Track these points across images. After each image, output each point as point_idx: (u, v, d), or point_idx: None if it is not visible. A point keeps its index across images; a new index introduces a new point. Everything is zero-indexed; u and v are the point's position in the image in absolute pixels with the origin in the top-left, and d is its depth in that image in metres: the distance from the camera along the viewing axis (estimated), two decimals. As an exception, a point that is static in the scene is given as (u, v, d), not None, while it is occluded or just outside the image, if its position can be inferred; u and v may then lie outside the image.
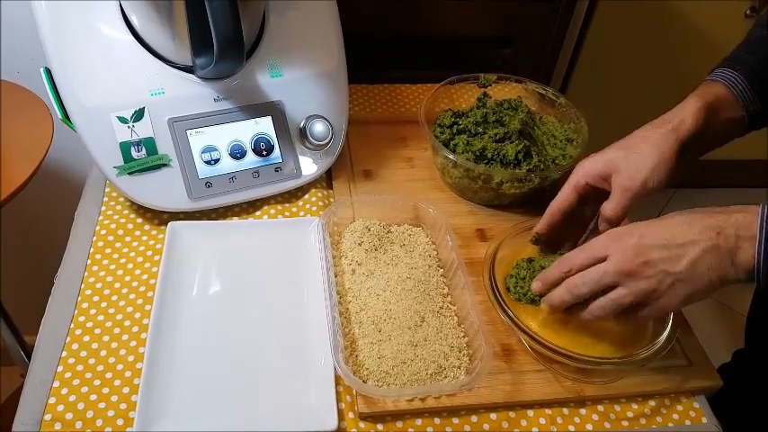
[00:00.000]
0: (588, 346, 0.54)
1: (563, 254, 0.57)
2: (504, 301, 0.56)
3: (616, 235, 0.48)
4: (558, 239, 0.61)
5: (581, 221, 0.59)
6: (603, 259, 0.48)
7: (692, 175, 1.78)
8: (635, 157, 0.53)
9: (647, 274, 0.45)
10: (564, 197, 0.57)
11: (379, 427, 0.50)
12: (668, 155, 0.52)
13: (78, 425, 0.48)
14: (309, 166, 0.69)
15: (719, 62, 0.58)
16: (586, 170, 0.55)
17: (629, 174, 0.52)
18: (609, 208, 0.54)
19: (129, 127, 0.61)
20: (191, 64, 0.63)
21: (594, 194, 0.56)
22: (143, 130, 0.61)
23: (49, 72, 0.60)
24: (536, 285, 0.53)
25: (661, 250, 0.45)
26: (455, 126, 0.71)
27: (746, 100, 0.55)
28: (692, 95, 0.55)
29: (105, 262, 0.61)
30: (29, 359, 0.96)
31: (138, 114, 0.61)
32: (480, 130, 0.70)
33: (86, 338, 0.54)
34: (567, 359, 0.53)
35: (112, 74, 0.61)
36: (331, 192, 0.72)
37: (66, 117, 0.61)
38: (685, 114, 0.53)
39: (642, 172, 0.52)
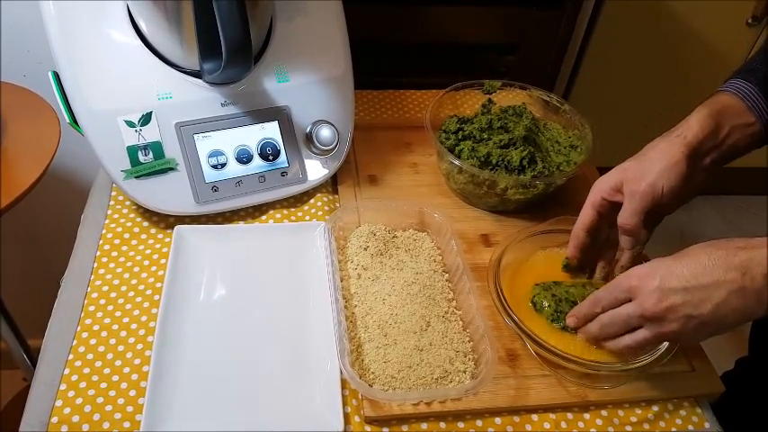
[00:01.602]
0: (592, 350, 0.54)
1: (589, 279, 0.59)
2: (509, 306, 0.56)
3: (639, 275, 0.47)
4: (590, 263, 0.61)
5: (611, 243, 0.59)
6: (629, 299, 0.48)
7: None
8: (643, 164, 0.54)
9: (671, 319, 0.45)
10: (585, 217, 0.57)
11: (385, 430, 0.51)
12: (677, 158, 0.52)
13: (85, 427, 0.48)
14: (315, 171, 0.69)
15: (733, 73, 0.57)
16: (601, 185, 0.56)
17: (636, 178, 0.53)
18: (622, 216, 0.54)
19: (136, 131, 0.61)
20: (198, 69, 0.63)
21: (616, 212, 0.56)
22: (150, 134, 0.62)
23: (57, 75, 0.61)
24: (571, 320, 0.54)
25: (684, 294, 0.45)
26: (460, 132, 0.71)
27: (761, 111, 0.54)
28: (700, 106, 0.55)
29: (112, 265, 0.61)
30: (32, 362, 0.97)
31: (146, 118, 0.62)
32: (485, 136, 0.70)
33: (93, 341, 0.54)
34: (572, 364, 0.53)
35: (120, 78, 0.61)
36: (336, 197, 0.72)
37: (74, 120, 0.61)
38: (691, 122, 0.54)
39: (649, 175, 0.52)
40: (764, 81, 0.54)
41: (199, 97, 0.64)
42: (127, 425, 0.49)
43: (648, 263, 0.48)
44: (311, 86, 0.68)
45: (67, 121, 0.61)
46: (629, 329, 0.49)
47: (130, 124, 0.61)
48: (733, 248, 0.44)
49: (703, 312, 0.44)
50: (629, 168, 0.55)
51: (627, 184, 0.54)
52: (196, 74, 0.64)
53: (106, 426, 0.48)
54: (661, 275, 0.46)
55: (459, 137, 0.71)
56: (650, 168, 0.53)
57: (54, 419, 0.48)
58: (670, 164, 0.52)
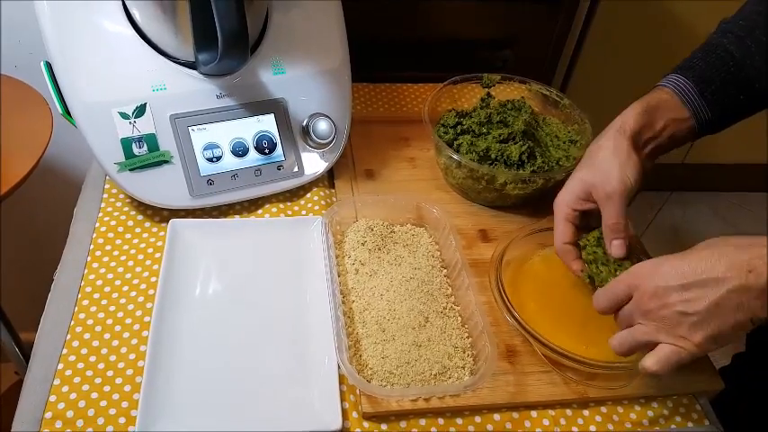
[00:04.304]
0: (595, 349, 0.54)
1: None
2: (510, 303, 0.56)
3: (640, 273, 0.47)
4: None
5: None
6: (629, 298, 0.47)
7: (689, 179, 1.79)
8: (600, 166, 0.54)
9: (663, 315, 0.45)
10: (563, 232, 0.57)
11: (383, 426, 0.50)
12: (626, 150, 0.54)
13: (79, 423, 0.47)
14: (312, 165, 0.69)
15: (674, 68, 0.59)
16: (566, 199, 0.56)
17: (603, 181, 0.53)
18: (608, 219, 0.54)
19: (130, 123, 0.60)
20: (193, 59, 0.62)
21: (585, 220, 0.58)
22: (144, 126, 0.61)
23: (49, 66, 0.59)
24: None
25: (680, 291, 0.43)
26: (459, 126, 0.71)
27: (695, 107, 0.56)
28: (636, 102, 0.57)
29: (105, 259, 0.60)
30: (24, 356, 0.96)
31: (140, 110, 0.61)
32: (484, 130, 0.70)
33: (87, 336, 0.53)
34: (576, 363, 0.52)
35: (114, 69, 0.60)
36: (333, 191, 0.72)
37: (67, 112, 0.60)
38: (626, 117, 0.55)
39: (613, 172, 0.53)
40: (700, 77, 0.56)
41: (194, 89, 0.63)
42: (122, 420, 0.48)
43: (651, 260, 0.47)
44: (308, 79, 0.68)
45: (60, 112, 0.60)
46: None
47: (124, 116, 0.60)
48: (743, 245, 0.42)
49: (698, 310, 0.43)
50: (586, 176, 0.55)
51: (596, 190, 0.54)
52: (191, 65, 0.63)
53: (101, 421, 0.48)
54: (662, 273, 0.45)
55: (458, 131, 0.71)
56: (610, 168, 0.53)
57: (48, 415, 0.48)
58: (624, 157, 0.53)
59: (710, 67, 0.56)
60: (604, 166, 0.54)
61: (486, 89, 0.77)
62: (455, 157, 0.66)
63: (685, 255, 0.45)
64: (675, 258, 0.45)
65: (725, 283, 0.42)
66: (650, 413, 0.54)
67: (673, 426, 0.53)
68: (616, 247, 0.53)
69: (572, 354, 0.52)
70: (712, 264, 0.43)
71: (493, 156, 0.67)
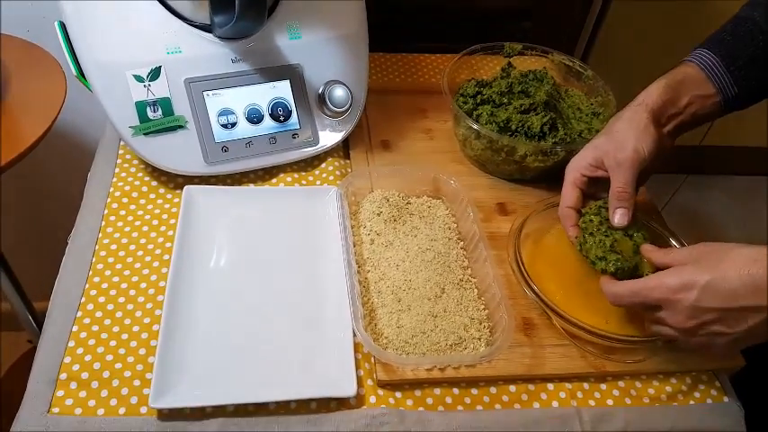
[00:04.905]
0: (614, 322, 0.53)
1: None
2: (529, 276, 0.55)
3: (673, 288, 0.45)
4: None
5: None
6: (657, 306, 0.47)
7: (705, 162, 1.76)
8: (616, 135, 0.54)
9: (702, 333, 0.45)
10: (569, 197, 0.56)
11: (398, 395, 0.50)
12: (644, 123, 0.53)
13: (94, 384, 0.47)
14: (327, 135, 0.67)
15: (704, 40, 0.57)
16: (577, 165, 0.56)
17: (616, 149, 0.53)
18: (615, 186, 0.53)
19: (144, 86, 0.59)
20: (209, 22, 0.61)
21: (594, 188, 0.57)
22: (159, 89, 0.60)
23: (63, 26, 0.58)
24: None
25: (719, 313, 0.44)
26: (479, 96, 0.69)
27: (721, 83, 0.55)
28: (662, 76, 0.56)
29: (120, 224, 0.59)
30: (37, 324, 0.97)
31: (155, 73, 0.60)
32: (505, 100, 0.68)
33: (102, 299, 0.53)
34: (595, 337, 0.52)
35: (128, 30, 0.59)
36: (348, 162, 0.70)
37: (81, 74, 0.59)
38: (651, 91, 0.55)
39: (628, 142, 0.53)
40: (728, 52, 0.54)
41: (209, 52, 0.62)
42: (137, 383, 0.48)
43: (681, 271, 0.45)
44: (324, 44, 0.66)
45: (74, 73, 0.59)
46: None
47: (139, 78, 0.59)
48: None
49: (737, 331, 0.44)
50: (601, 144, 0.55)
51: (608, 157, 0.54)
52: (206, 28, 0.61)
53: (116, 383, 0.48)
54: (698, 293, 0.44)
55: (478, 101, 0.69)
56: (625, 137, 0.53)
57: (63, 376, 0.48)
58: (640, 129, 0.53)
59: (738, 40, 0.55)
60: (620, 136, 0.54)
61: (508, 58, 0.75)
62: (475, 126, 0.65)
63: (721, 272, 0.43)
64: (712, 276, 0.44)
65: (764, 312, 0.42)
66: (669, 389, 0.53)
67: (692, 402, 0.53)
68: (619, 216, 0.53)
69: (591, 327, 0.51)
70: (753, 290, 0.42)
71: (513, 127, 0.65)
